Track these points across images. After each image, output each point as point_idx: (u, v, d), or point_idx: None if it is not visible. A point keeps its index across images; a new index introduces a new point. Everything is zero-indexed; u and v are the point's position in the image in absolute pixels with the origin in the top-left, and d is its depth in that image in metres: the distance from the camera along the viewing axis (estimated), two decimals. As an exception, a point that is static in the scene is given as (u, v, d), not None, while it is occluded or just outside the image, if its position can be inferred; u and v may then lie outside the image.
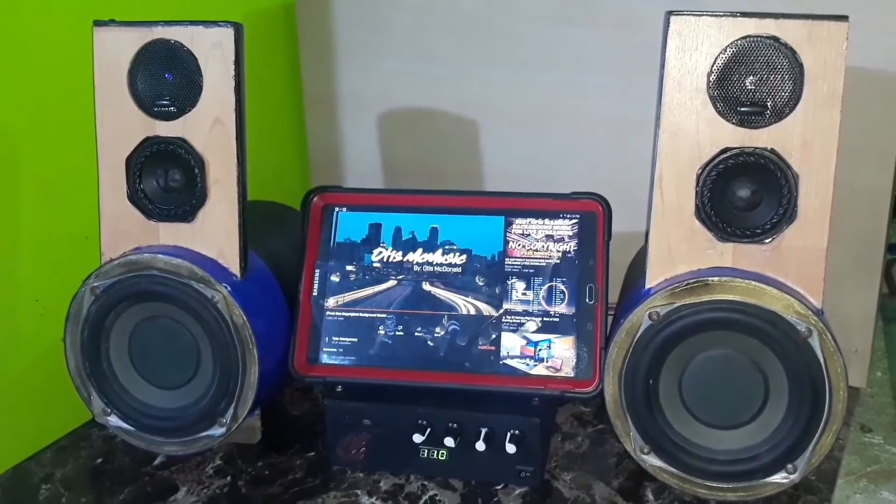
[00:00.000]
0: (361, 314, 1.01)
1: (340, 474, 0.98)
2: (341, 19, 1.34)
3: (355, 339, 1.01)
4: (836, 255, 0.90)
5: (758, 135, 0.86)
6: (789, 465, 0.87)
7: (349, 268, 1.03)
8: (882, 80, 1.04)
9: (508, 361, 0.97)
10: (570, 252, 1.00)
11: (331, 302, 1.02)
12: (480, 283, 1.00)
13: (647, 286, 0.90)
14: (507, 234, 1.01)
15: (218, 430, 0.97)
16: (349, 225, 1.05)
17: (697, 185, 0.87)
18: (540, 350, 0.97)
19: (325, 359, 1.01)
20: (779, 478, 0.87)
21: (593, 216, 1.00)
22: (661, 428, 0.89)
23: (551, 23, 1.21)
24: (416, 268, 1.02)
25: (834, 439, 0.86)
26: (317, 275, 1.03)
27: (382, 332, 1.00)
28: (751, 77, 0.85)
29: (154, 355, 0.98)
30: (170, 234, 0.98)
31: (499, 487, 0.95)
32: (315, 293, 1.02)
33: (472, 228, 1.02)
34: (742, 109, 0.85)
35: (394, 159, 1.38)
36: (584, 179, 1.08)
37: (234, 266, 0.97)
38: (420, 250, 1.03)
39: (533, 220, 1.01)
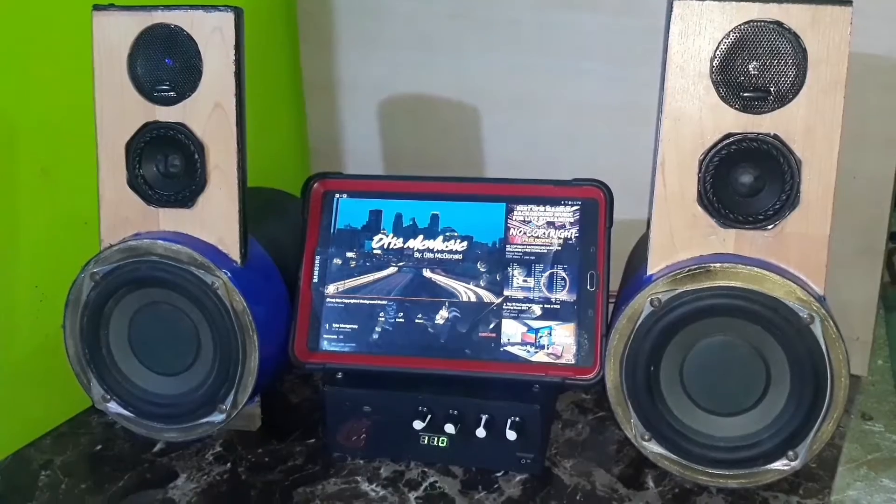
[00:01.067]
0: (362, 301, 1.01)
1: (340, 461, 0.98)
2: (341, 6, 1.34)
3: (355, 326, 1.00)
4: (838, 243, 0.89)
5: (760, 120, 0.85)
6: (790, 452, 0.87)
7: (349, 254, 1.03)
8: (885, 68, 1.03)
9: (509, 348, 0.97)
10: (571, 239, 0.99)
11: (331, 289, 1.02)
12: (481, 270, 1.00)
13: (649, 272, 0.89)
14: (508, 221, 1.01)
15: (218, 417, 0.97)
16: (350, 211, 1.04)
17: (700, 170, 0.87)
18: (541, 337, 0.97)
19: (325, 345, 1.00)
20: (780, 465, 0.87)
21: (595, 203, 0.99)
22: (663, 415, 0.89)
23: (552, 9, 1.20)
24: (416, 254, 1.02)
25: (835, 426, 0.86)
26: (317, 261, 1.03)
27: (383, 318, 1.00)
28: (754, 62, 0.84)
29: (154, 341, 0.98)
30: (170, 219, 0.98)
31: (499, 474, 0.95)
32: (315, 280, 1.02)
33: (473, 215, 1.02)
34: (745, 95, 0.85)
35: (394, 147, 1.38)
36: (585, 166, 1.08)
37: (234, 252, 0.96)
38: (421, 237, 1.02)
39: (534, 207, 1.01)
